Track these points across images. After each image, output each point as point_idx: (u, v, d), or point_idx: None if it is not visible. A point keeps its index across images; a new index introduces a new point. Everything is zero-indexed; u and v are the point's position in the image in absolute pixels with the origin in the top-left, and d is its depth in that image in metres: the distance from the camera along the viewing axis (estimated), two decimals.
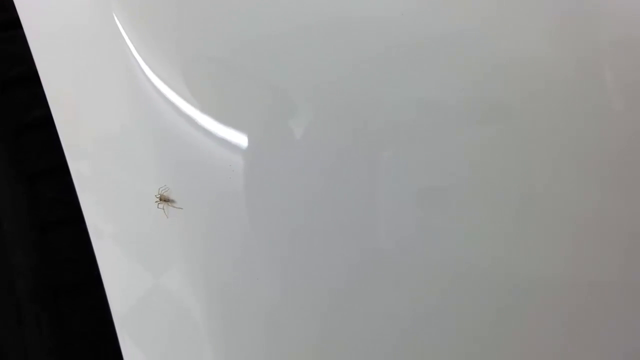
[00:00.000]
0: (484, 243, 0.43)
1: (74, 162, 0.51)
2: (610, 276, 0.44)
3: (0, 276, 0.63)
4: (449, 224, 0.43)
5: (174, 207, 0.45)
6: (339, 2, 0.44)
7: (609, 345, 0.44)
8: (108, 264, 0.49)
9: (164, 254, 0.46)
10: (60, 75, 0.51)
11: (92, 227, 0.49)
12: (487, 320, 0.44)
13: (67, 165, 0.51)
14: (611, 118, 0.43)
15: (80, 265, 0.62)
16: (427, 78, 0.43)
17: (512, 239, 0.43)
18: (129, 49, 0.46)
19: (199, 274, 0.45)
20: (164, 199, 0.45)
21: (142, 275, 0.47)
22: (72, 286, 0.63)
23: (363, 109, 0.43)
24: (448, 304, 0.43)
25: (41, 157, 0.64)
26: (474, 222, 0.43)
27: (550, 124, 0.43)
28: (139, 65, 0.46)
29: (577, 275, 0.44)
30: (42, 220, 0.64)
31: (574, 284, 0.44)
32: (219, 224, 0.45)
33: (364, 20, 0.44)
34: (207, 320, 0.45)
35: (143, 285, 0.48)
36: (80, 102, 0.50)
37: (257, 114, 0.44)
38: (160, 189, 0.45)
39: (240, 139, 0.44)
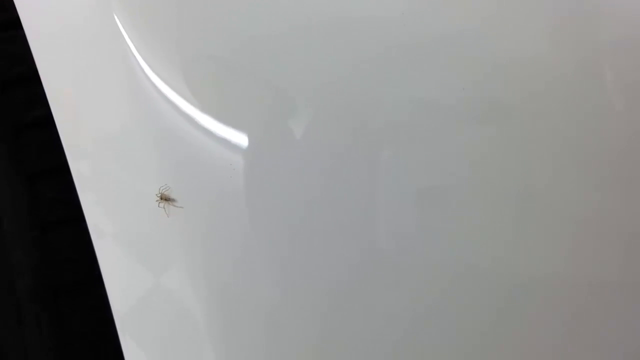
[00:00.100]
0: (484, 243, 0.43)
1: (74, 161, 0.51)
2: (610, 276, 0.44)
3: (0, 276, 0.63)
4: (449, 224, 0.43)
5: (174, 206, 0.45)
6: (340, 2, 0.44)
7: (609, 345, 0.44)
8: (109, 263, 0.49)
9: (165, 254, 0.46)
10: (61, 75, 0.51)
11: (93, 227, 0.49)
12: (487, 320, 0.44)
13: (67, 165, 0.51)
14: (611, 118, 0.43)
15: (80, 264, 0.62)
16: (427, 78, 0.43)
17: (512, 239, 0.43)
18: (130, 48, 0.46)
19: (200, 274, 0.45)
20: (165, 198, 0.45)
21: (143, 275, 0.47)
22: (72, 286, 0.63)
23: (363, 108, 0.43)
24: (448, 303, 0.44)
25: (41, 157, 0.64)
26: (474, 221, 0.43)
27: (550, 124, 0.43)
28: (139, 64, 0.46)
29: (577, 275, 0.44)
30: (42, 220, 0.64)
31: (574, 283, 0.44)
32: (219, 223, 0.45)
33: (364, 20, 0.44)
34: (208, 319, 0.45)
35: (144, 284, 0.48)
36: (81, 102, 0.50)
37: (257, 114, 0.44)
38: (161, 188, 0.45)
39: (241, 139, 0.44)
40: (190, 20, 0.46)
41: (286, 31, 0.45)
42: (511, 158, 0.43)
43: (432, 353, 0.44)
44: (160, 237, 0.46)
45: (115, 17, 0.47)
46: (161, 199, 0.45)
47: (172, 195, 0.45)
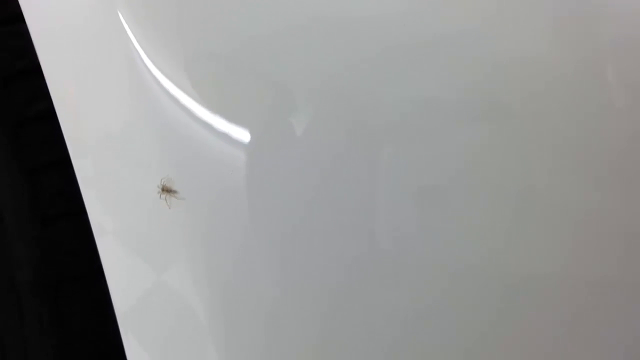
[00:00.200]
0: (484, 242, 0.43)
1: (77, 157, 0.51)
2: (610, 275, 0.44)
3: (1, 269, 0.63)
4: (449, 223, 0.43)
5: (176, 197, 0.45)
6: (340, 1, 0.44)
7: (609, 345, 0.44)
8: (111, 260, 0.49)
9: (167, 251, 0.46)
10: (64, 70, 0.51)
11: (96, 224, 0.49)
12: (487, 319, 0.44)
13: (69, 159, 0.51)
14: (611, 117, 0.43)
15: (82, 258, 0.62)
16: (426, 77, 0.43)
17: (512, 238, 0.43)
18: (133, 44, 0.46)
19: (202, 271, 0.45)
20: (166, 190, 0.45)
21: (145, 272, 0.47)
22: (73, 279, 0.63)
23: (364, 107, 0.43)
24: (448, 302, 0.44)
25: (42, 151, 0.64)
26: (475, 221, 0.43)
27: (550, 123, 0.43)
28: (142, 60, 0.46)
29: (577, 275, 0.44)
30: (43, 213, 0.64)
31: (574, 283, 0.44)
32: (222, 221, 0.45)
33: (364, 18, 0.44)
34: (209, 315, 0.45)
35: (146, 281, 0.48)
36: (84, 97, 0.50)
37: (260, 112, 0.44)
38: (163, 180, 0.45)
39: (243, 136, 0.44)
40: (193, 18, 0.46)
41: (288, 29, 0.45)
42: (511, 157, 0.43)
43: (433, 352, 0.44)
44: (163, 234, 0.46)
45: (119, 13, 0.47)
46: (163, 190, 0.45)
47: (174, 187, 0.45)
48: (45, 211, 0.63)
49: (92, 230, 0.50)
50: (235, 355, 0.45)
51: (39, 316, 0.62)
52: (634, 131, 0.43)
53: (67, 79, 0.51)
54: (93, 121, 0.50)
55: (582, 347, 0.44)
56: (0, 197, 0.63)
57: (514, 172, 0.43)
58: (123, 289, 0.49)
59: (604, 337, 0.44)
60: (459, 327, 0.44)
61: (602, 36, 0.44)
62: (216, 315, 0.45)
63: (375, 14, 0.44)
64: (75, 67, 0.50)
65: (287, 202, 0.44)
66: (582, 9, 0.43)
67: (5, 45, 0.65)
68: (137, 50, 0.46)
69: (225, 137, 0.44)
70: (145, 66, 0.46)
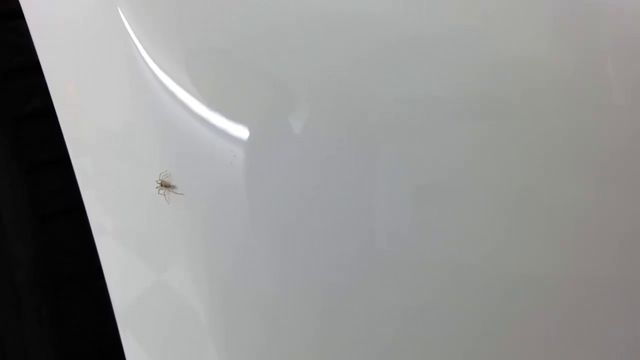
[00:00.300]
0: (482, 241, 0.43)
1: (76, 155, 0.51)
2: (610, 275, 0.44)
3: (0, 268, 0.63)
4: (448, 222, 0.43)
5: (175, 192, 0.45)
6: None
7: (608, 345, 0.45)
8: (110, 259, 0.49)
9: (167, 250, 0.46)
10: (63, 68, 0.51)
11: (95, 222, 0.49)
12: (487, 319, 0.44)
13: (68, 156, 0.51)
14: (611, 117, 0.43)
15: (81, 256, 0.62)
16: (426, 76, 0.43)
17: (511, 237, 0.43)
18: (133, 42, 0.46)
19: (201, 270, 0.45)
20: (165, 185, 0.45)
21: (145, 271, 0.47)
22: (73, 278, 0.63)
23: (363, 105, 0.43)
24: (447, 301, 0.44)
25: (42, 148, 0.64)
26: (473, 220, 0.43)
27: (549, 123, 0.43)
28: (142, 57, 0.46)
29: (577, 274, 0.44)
30: (42, 211, 0.63)
31: (573, 282, 0.44)
32: (221, 221, 0.45)
33: (363, 16, 0.44)
34: (209, 314, 0.45)
35: (145, 280, 0.48)
36: (83, 94, 0.50)
37: (259, 109, 0.44)
38: (161, 175, 0.45)
39: (242, 133, 0.44)
40: (193, 16, 0.46)
41: (287, 27, 0.44)
42: (510, 157, 0.43)
43: (432, 351, 0.44)
44: (163, 232, 0.46)
45: (119, 10, 0.46)
46: (161, 185, 0.45)
47: (172, 182, 0.45)
48: (45, 210, 0.63)
49: (92, 229, 0.50)
50: (235, 355, 0.45)
51: (39, 315, 0.62)
52: (634, 131, 0.43)
53: (66, 78, 0.51)
54: (93, 120, 0.50)
55: (582, 347, 0.45)
56: None
57: (513, 172, 0.43)
58: (122, 288, 0.49)
59: (603, 336, 0.44)
60: (458, 327, 0.44)
61: (602, 36, 0.44)
62: (215, 314, 0.45)
63: (375, 13, 0.44)
64: (75, 66, 0.50)
65: (286, 201, 0.44)
66: (582, 9, 0.43)
67: (3, 41, 0.65)
68: (137, 49, 0.46)
69: (225, 136, 0.44)
70: (146, 63, 0.45)
